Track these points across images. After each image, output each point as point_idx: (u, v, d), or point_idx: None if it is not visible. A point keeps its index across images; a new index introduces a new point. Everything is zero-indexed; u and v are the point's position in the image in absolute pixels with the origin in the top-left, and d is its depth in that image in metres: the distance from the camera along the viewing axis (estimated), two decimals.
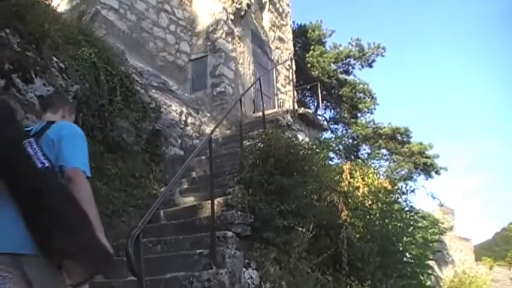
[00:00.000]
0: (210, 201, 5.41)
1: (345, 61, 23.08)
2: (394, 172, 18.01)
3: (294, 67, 16.10)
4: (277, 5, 16.33)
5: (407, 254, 8.19)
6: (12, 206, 2.38)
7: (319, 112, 19.97)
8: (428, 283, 10.34)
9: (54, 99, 3.26)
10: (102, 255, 2.50)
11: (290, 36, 17.32)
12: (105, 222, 2.59)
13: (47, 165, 2.44)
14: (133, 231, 3.04)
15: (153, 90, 9.17)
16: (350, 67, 23.40)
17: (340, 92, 22.14)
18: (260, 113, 10.58)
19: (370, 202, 7.62)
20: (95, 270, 2.55)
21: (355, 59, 23.05)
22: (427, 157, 22.12)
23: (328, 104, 23.14)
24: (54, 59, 5.55)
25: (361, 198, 7.57)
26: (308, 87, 19.80)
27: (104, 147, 6.53)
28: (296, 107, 13.51)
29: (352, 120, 22.76)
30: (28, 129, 2.79)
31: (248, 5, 13.74)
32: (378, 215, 7.56)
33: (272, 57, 15.40)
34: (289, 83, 15.90)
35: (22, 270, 2.31)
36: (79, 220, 2.42)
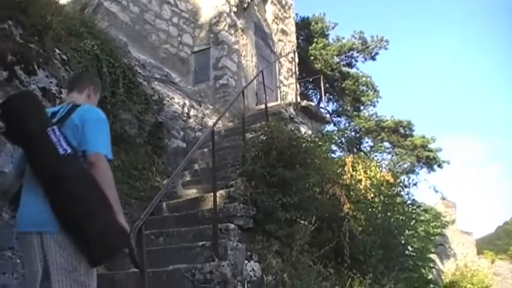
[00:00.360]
0: (212, 194, 5.40)
1: (348, 54, 23.01)
2: (397, 165, 18.00)
3: (296, 60, 16.09)
4: None
5: (409, 247, 8.21)
6: (39, 190, 2.63)
7: (321, 105, 19.98)
8: (430, 276, 10.38)
9: (80, 78, 3.39)
10: (121, 238, 2.73)
11: (293, 28, 17.25)
12: None
13: (69, 151, 2.64)
14: (135, 223, 3.04)
15: (156, 83, 9.16)
16: (353, 60, 23.33)
17: (342, 85, 22.07)
18: (263, 106, 10.59)
19: (372, 195, 7.63)
20: (114, 251, 2.77)
21: (358, 52, 22.97)
22: (430, 150, 22.08)
23: (331, 96, 23.11)
24: (57, 50, 5.54)
25: (363, 191, 7.58)
26: (311, 79, 19.78)
27: None
28: (299, 99, 13.50)
29: (355, 113, 22.71)
30: (55, 109, 2.99)
31: None
32: (380, 208, 7.56)
33: (275, 50, 15.37)
34: (292, 76, 15.87)
35: (43, 245, 2.59)
36: (99, 204, 2.63)
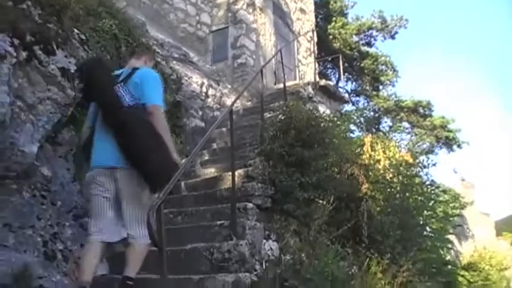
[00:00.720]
0: (230, 173, 5.41)
1: (367, 33, 22.82)
2: (416, 145, 17.85)
3: (315, 39, 15.95)
4: None
5: (427, 228, 8.15)
6: (109, 135, 3.52)
7: (340, 84, 19.95)
8: (448, 257, 10.33)
9: (137, 48, 4.56)
10: (173, 169, 3.46)
11: (312, 7, 17.09)
12: None
13: (132, 103, 3.50)
14: (154, 202, 3.06)
15: (174, 62, 9.15)
16: (372, 39, 23.15)
17: (361, 64, 21.93)
18: (281, 85, 10.54)
19: (391, 175, 7.55)
20: (168, 179, 3.32)
21: (377, 31, 22.77)
22: (449, 131, 21.90)
23: (350, 76, 22.99)
24: (75, 30, 5.53)
25: (382, 171, 7.51)
26: (329, 59, 19.62)
27: None
28: (317, 79, 13.44)
29: (374, 92, 22.59)
30: (118, 72, 3.89)
31: None
32: (398, 188, 7.49)
33: (293, 29, 15.25)
34: (310, 55, 15.75)
35: (115, 177, 3.51)
36: (156, 143, 3.45)
